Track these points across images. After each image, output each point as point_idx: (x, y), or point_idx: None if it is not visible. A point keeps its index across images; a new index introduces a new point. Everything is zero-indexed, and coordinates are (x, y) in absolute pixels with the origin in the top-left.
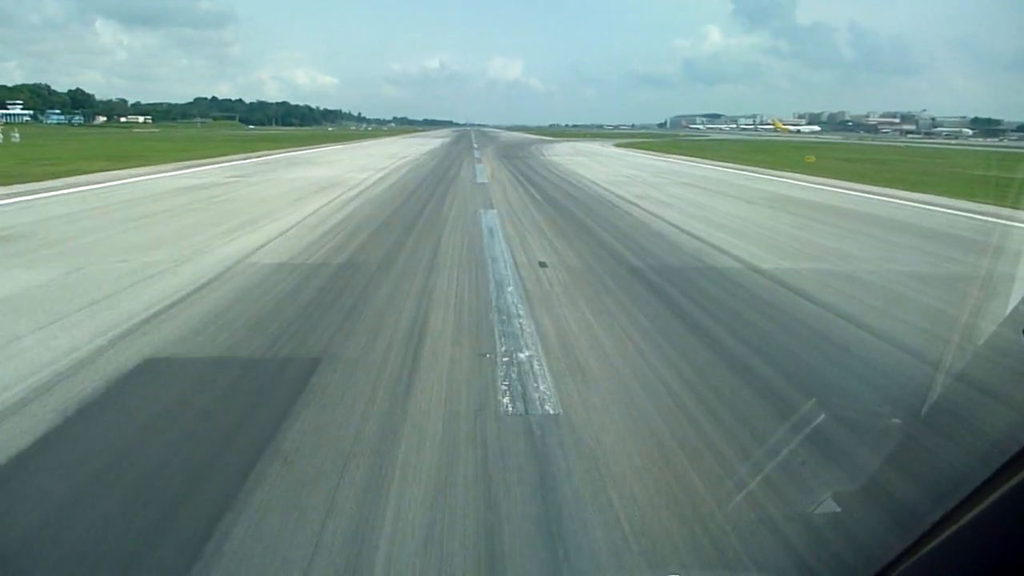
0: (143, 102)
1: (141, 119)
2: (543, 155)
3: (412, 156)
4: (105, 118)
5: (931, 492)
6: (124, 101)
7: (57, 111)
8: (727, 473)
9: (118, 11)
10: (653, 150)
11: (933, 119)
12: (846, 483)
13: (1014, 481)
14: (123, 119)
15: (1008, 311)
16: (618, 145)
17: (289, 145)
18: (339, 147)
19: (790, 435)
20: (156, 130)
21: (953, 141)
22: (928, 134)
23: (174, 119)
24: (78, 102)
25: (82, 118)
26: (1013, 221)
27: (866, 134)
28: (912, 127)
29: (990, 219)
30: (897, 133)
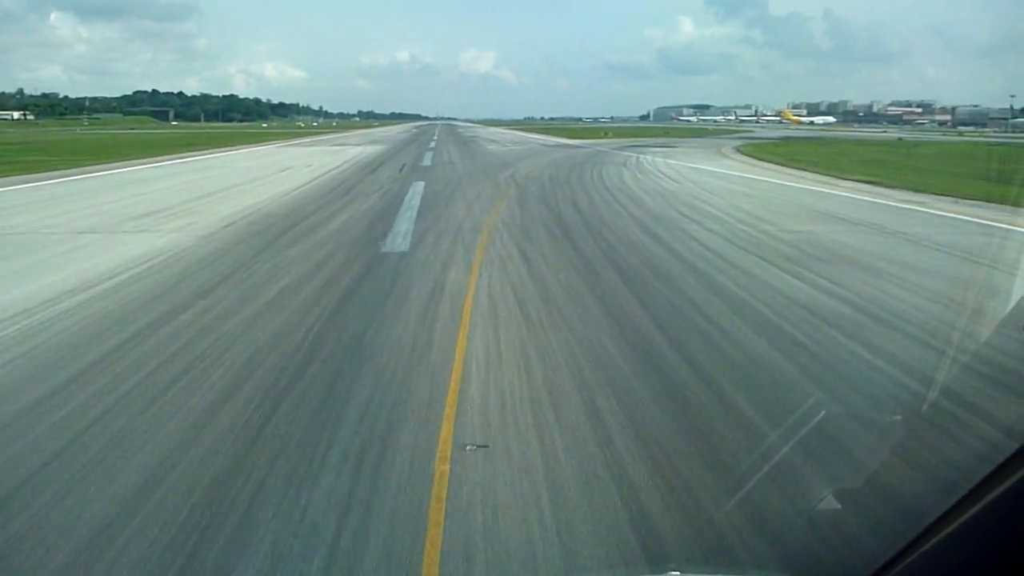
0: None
1: (15, 115)
2: None
3: None
4: None
5: (932, 489)
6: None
7: None
8: None
9: (74, 3)
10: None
11: (1013, 109)
12: (847, 480)
13: (1015, 478)
14: None
15: (1009, 309)
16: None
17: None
18: None
19: (790, 432)
20: None
21: None
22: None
23: (63, 114)
24: None
25: None
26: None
27: (891, 126)
28: (946, 118)
29: None
30: (935, 124)
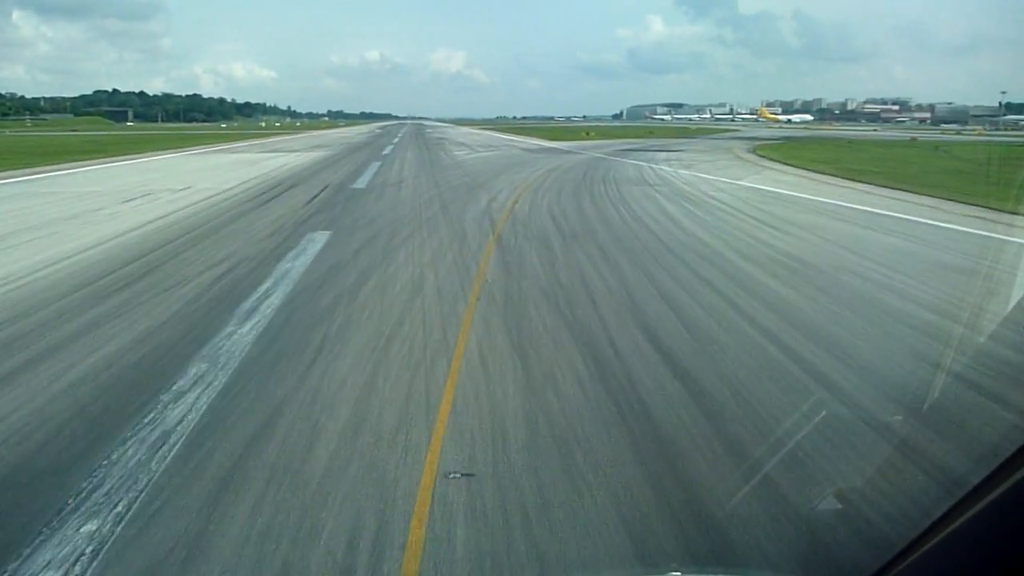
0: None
1: None
2: None
3: None
4: None
5: (932, 489)
6: None
7: None
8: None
9: (36, 1)
10: None
11: (1001, 106)
12: (848, 480)
13: (1014, 479)
14: None
15: (1009, 309)
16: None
17: None
18: None
19: (791, 432)
20: None
21: None
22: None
23: (6, 115)
24: None
25: None
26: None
27: (871, 123)
28: (926, 115)
29: None
30: (916, 122)
